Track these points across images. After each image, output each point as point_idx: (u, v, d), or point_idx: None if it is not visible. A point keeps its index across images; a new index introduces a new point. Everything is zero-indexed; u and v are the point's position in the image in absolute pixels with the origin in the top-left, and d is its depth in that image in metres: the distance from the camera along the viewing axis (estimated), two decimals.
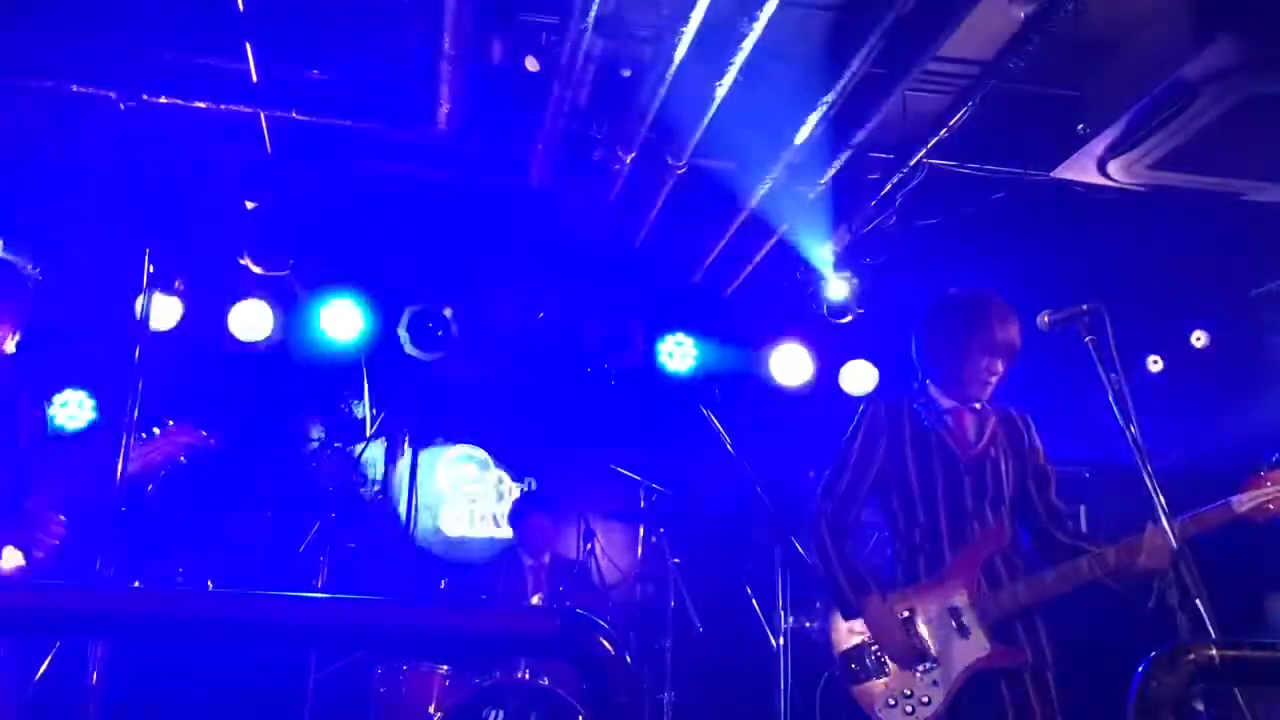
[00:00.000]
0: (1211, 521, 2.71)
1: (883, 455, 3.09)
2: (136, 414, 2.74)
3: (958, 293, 3.14)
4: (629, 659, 1.13)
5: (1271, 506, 2.69)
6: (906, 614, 2.94)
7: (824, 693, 4.57)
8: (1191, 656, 1.20)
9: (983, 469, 3.01)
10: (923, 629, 2.91)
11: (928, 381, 3.13)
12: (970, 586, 2.89)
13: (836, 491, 3.13)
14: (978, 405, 3.09)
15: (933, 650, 2.89)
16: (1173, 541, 2.37)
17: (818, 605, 4.97)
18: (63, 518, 2.73)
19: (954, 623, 2.89)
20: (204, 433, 3.09)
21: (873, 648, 2.95)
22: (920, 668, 2.88)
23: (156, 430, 3.00)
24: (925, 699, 2.83)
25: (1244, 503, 2.71)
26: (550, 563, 5.23)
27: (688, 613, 5.07)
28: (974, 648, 2.85)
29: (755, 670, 4.99)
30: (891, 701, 2.87)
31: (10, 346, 2.92)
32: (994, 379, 3.03)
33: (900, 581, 3.03)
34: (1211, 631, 2.21)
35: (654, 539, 5.30)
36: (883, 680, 2.91)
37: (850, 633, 3.00)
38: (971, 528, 2.97)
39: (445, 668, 4.27)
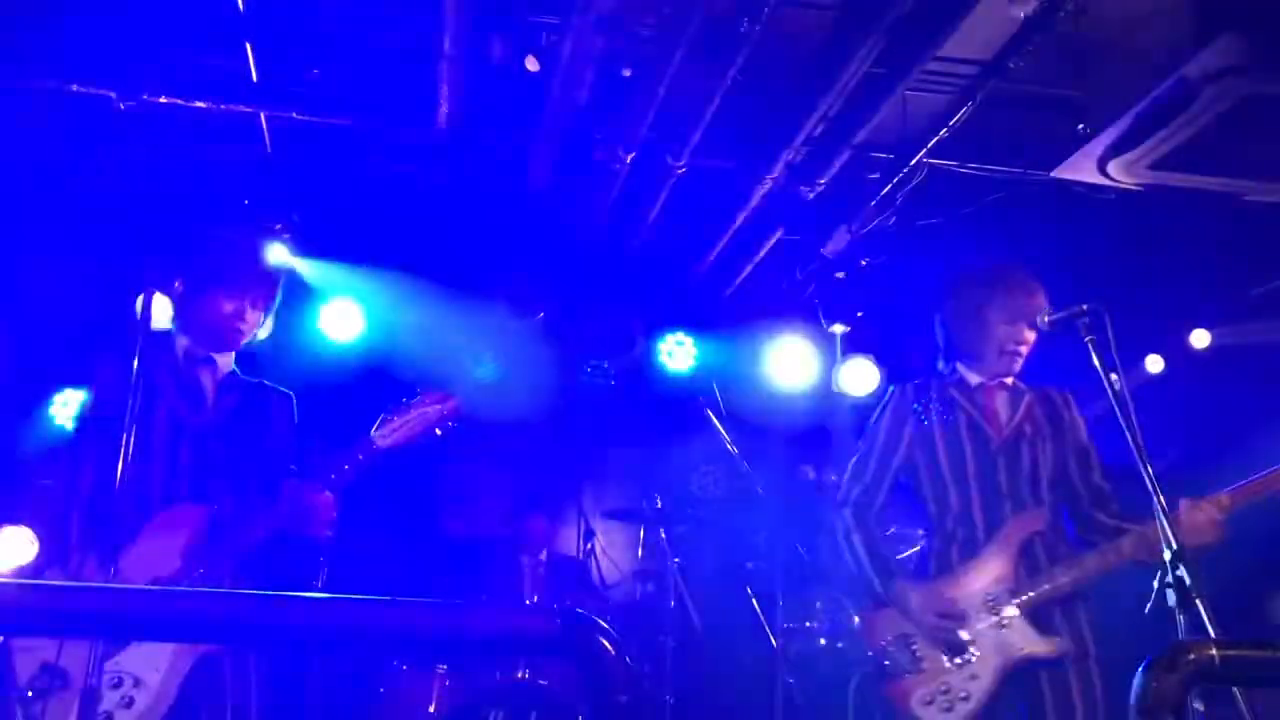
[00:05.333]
0: (1261, 490, 2.59)
1: (909, 439, 2.96)
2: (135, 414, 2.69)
3: (977, 267, 3.03)
4: (629, 659, 1.12)
5: None
6: (942, 603, 2.75)
7: (857, 694, 4.47)
8: (1191, 656, 1.20)
9: (1018, 449, 2.87)
10: (959, 619, 2.73)
11: (956, 362, 3.02)
12: (1008, 573, 2.73)
13: (863, 477, 2.99)
14: (1009, 382, 2.97)
15: (970, 642, 2.71)
16: (1169, 540, 2.35)
17: (817, 605, 4.97)
18: (329, 494, 2.67)
19: (992, 612, 2.72)
20: (454, 400, 2.82)
21: (907, 641, 2.77)
22: (957, 660, 2.70)
23: (405, 401, 2.79)
24: (964, 694, 2.66)
25: None
26: (547, 560, 5.22)
27: (688, 613, 5.06)
28: (1014, 638, 2.68)
29: (755, 670, 4.99)
30: (928, 698, 2.69)
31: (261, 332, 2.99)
32: (1022, 348, 2.91)
33: (934, 571, 2.86)
34: (1211, 631, 2.20)
35: (654, 539, 5.30)
36: (918, 676, 2.72)
37: (882, 626, 2.82)
38: (1006, 510, 2.81)
39: (445, 668, 4.27)
